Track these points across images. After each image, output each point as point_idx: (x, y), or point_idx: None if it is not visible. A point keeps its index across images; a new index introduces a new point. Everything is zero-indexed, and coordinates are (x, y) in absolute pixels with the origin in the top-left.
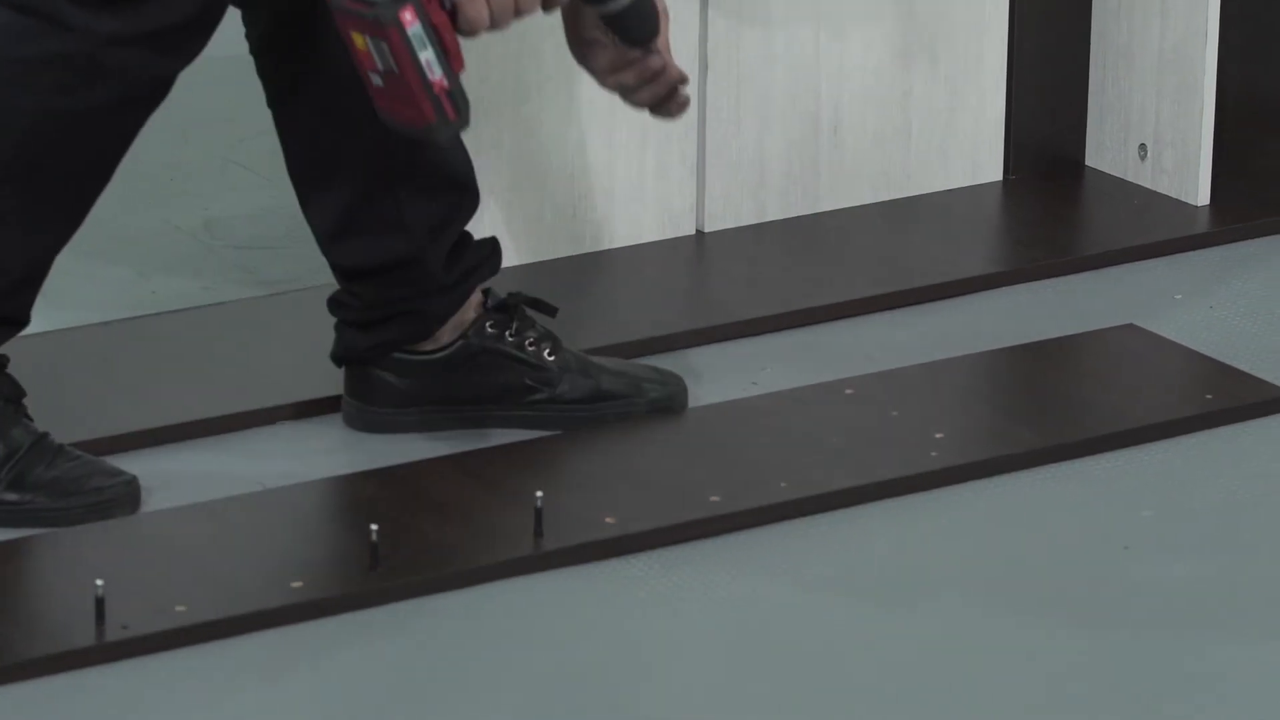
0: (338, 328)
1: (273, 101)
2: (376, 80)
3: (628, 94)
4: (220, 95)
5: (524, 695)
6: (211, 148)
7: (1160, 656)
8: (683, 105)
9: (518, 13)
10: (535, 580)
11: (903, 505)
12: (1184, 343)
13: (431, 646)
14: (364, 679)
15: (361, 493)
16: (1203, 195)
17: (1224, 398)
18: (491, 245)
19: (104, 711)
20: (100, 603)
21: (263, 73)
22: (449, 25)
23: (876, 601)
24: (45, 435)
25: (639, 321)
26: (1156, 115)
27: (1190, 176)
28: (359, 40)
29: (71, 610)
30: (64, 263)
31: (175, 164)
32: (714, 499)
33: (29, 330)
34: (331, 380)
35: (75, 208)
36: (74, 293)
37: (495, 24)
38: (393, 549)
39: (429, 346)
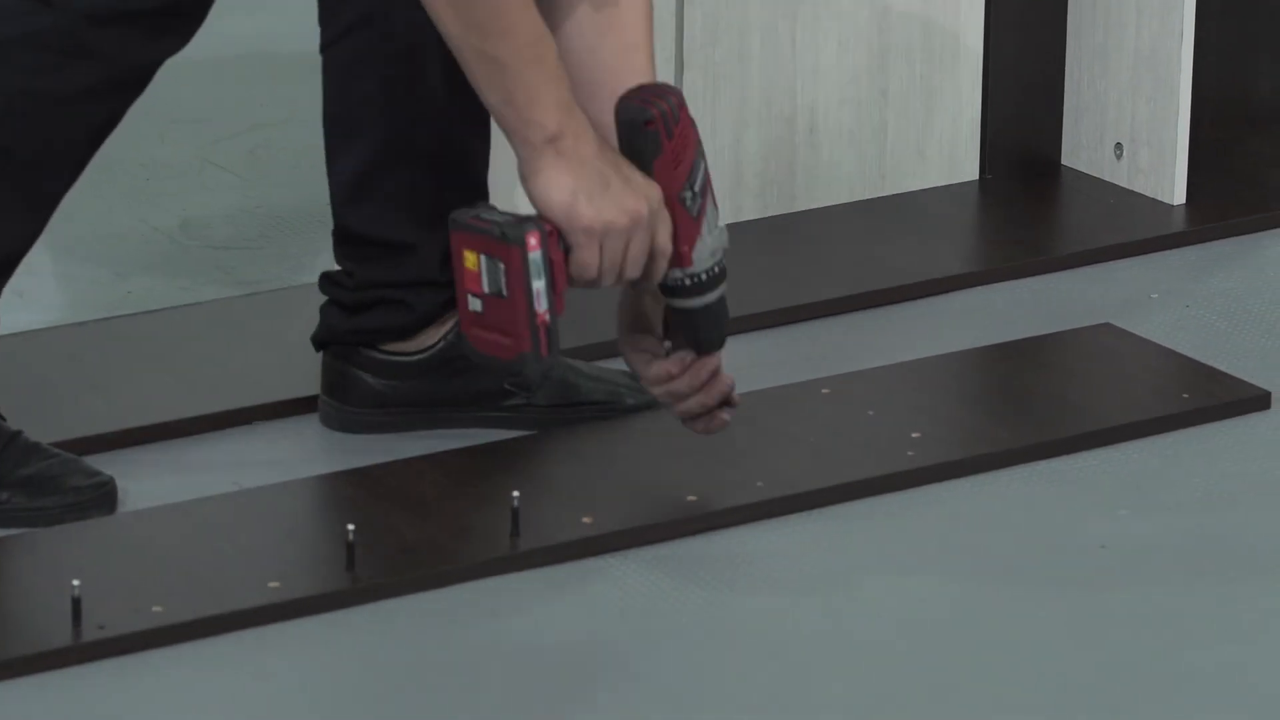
0: (323, 309)
1: (326, 45)
2: (475, 305)
3: (674, 399)
4: (197, 96)
5: (501, 695)
6: (188, 148)
7: (1137, 656)
8: (724, 423)
9: (621, 274)
10: (512, 580)
11: (880, 504)
12: (1160, 342)
13: (409, 646)
14: (341, 679)
15: (338, 493)
16: (1179, 194)
17: (1200, 397)
18: None
19: (80, 712)
20: (77, 603)
21: (324, 14)
22: (563, 266)
23: (853, 600)
24: (19, 434)
25: (613, 321)
26: (1132, 115)
27: (1166, 176)
28: (470, 259)
29: (48, 611)
30: (40, 262)
31: (152, 164)
32: (691, 499)
33: (4, 330)
34: (308, 380)
35: (41, 199)
36: (50, 292)
37: (600, 277)
38: (369, 549)
39: (408, 348)
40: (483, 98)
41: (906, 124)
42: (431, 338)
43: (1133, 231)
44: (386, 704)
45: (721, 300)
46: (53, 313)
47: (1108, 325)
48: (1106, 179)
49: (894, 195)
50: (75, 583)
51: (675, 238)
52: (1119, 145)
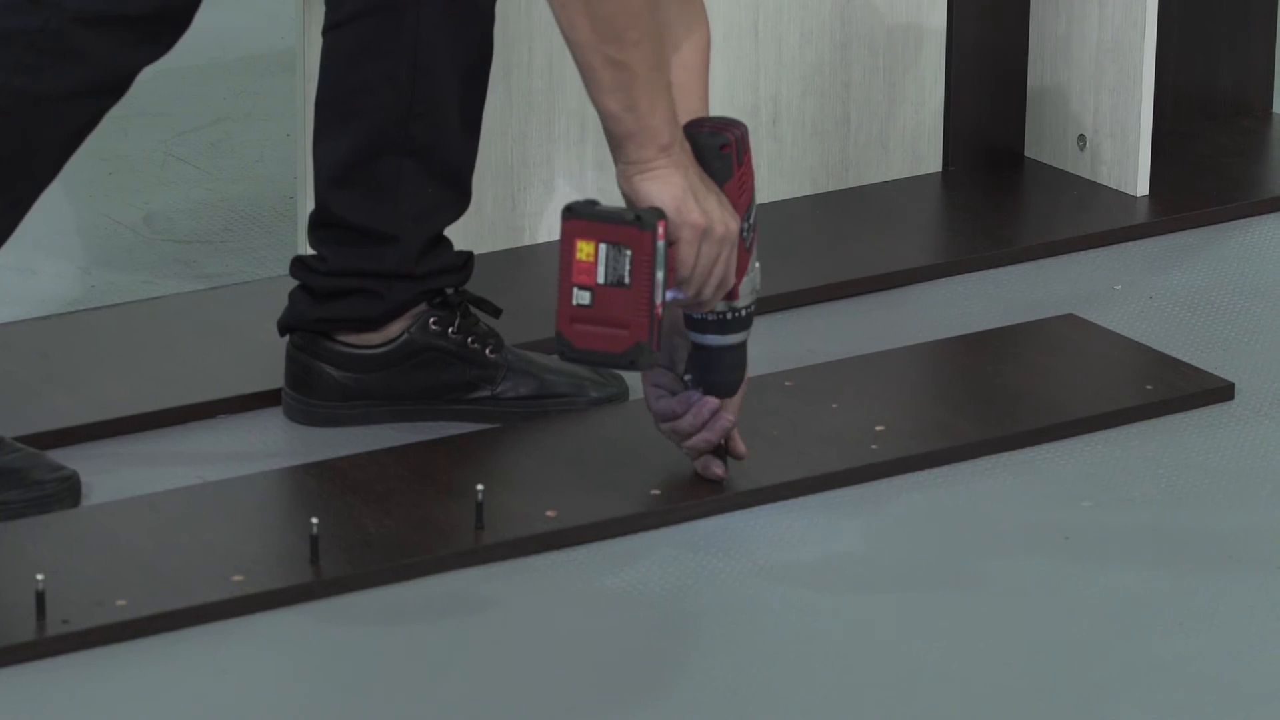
0: (293, 294)
1: (331, 26)
2: (582, 298)
3: (677, 437)
4: (160, 89)
5: (465, 688)
6: (151, 142)
7: (1099, 646)
8: (717, 475)
9: (703, 291)
10: (476, 574)
11: (843, 497)
12: (1124, 333)
13: (372, 640)
14: (305, 672)
15: (302, 486)
16: (1142, 186)
17: (1164, 388)
18: (466, 257)
19: (44, 706)
20: (41, 597)
21: None
22: (672, 262)
23: (817, 594)
24: None
25: None
26: (1095, 106)
27: (1129, 167)
28: (585, 249)
29: (11, 605)
30: (2, 257)
31: (115, 158)
32: (655, 492)
33: None
34: (272, 374)
35: (15, 199)
36: (13, 287)
37: (691, 283)
38: (333, 542)
39: (372, 340)
40: (600, 102)
41: (869, 116)
42: (396, 330)
43: (1096, 223)
44: (350, 697)
45: (744, 345)
46: (16, 307)
47: (1071, 316)
48: (1069, 170)
49: (857, 187)
50: (39, 577)
51: None
52: (1082, 137)
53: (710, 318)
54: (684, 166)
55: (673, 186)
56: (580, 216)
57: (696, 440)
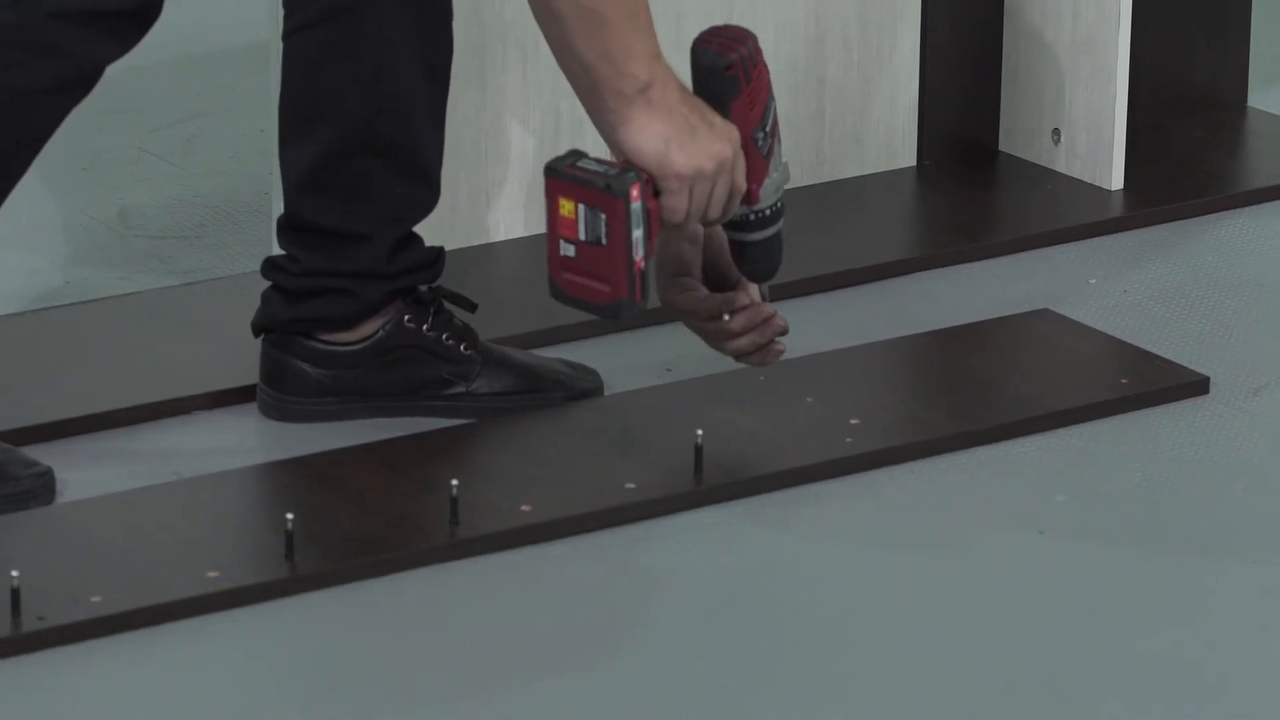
0: (265, 295)
1: (291, 31)
2: (568, 250)
3: (726, 338)
4: (134, 85)
5: (441, 684)
6: (125, 138)
7: (1073, 640)
8: (779, 353)
9: (707, 216)
10: (451, 569)
11: (818, 491)
12: (1098, 327)
13: (347, 636)
14: (280, 668)
15: (277, 482)
16: (1116, 180)
17: (1138, 382)
18: (437, 253)
19: (20, 702)
20: (15, 593)
21: (289, 1)
22: (656, 213)
23: (792, 588)
24: None
25: (553, 309)
26: (1070, 100)
27: (1104, 161)
28: (567, 207)
29: None
30: None
31: (89, 154)
32: (629, 486)
33: None
34: (247, 370)
35: None
36: None
37: (689, 219)
38: (308, 538)
39: (347, 337)
40: (573, 54)
41: (844, 111)
42: (371, 327)
43: (1070, 217)
44: (325, 693)
45: (779, 234)
46: None
47: (1046, 311)
48: (1044, 165)
49: (832, 182)
50: (14, 573)
51: (747, 176)
52: (1056, 131)
53: (736, 220)
54: (665, 107)
55: (653, 137)
56: (559, 176)
57: (744, 341)
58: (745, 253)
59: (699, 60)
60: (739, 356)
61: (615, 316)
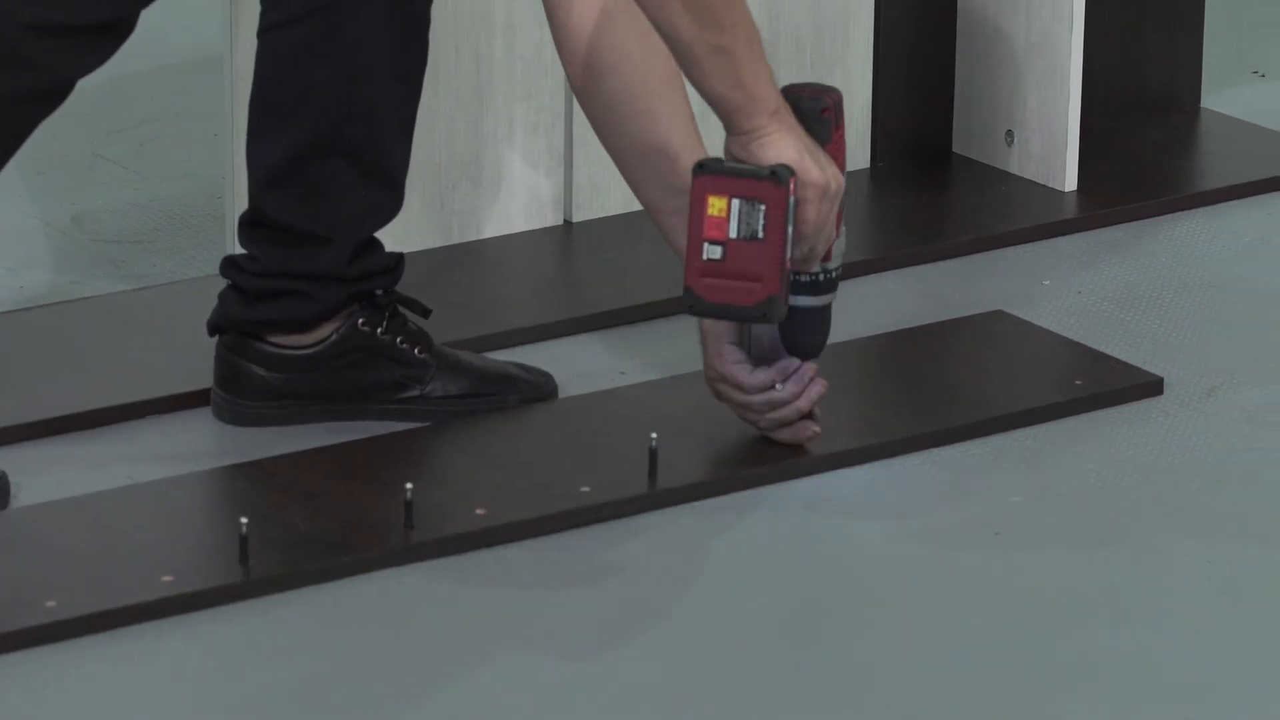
0: (222, 295)
1: (268, 29)
2: (713, 253)
3: (771, 407)
4: (88, 90)
5: (395, 687)
6: (80, 142)
7: (1030, 640)
8: (815, 434)
9: (816, 246)
10: (406, 572)
11: (774, 493)
12: (1052, 329)
13: (302, 640)
14: (235, 672)
15: (232, 485)
16: (1070, 181)
17: (1092, 383)
18: (397, 259)
19: None
20: None
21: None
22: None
23: (748, 591)
24: None
25: (508, 312)
26: (1023, 102)
27: (1057, 163)
28: (718, 205)
29: None
30: None
31: (44, 158)
32: (584, 489)
33: None
34: (201, 374)
35: None
36: None
37: (809, 237)
38: (263, 542)
39: (302, 340)
40: (707, 87)
41: None
42: (325, 331)
43: (1024, 218)
44: (281, 696)
45: (830, 307)
46: None
47: (1000, 312)
48: (998, 166)
49: None
50: None
51: None
52: (1010, 132)
53: (805, 279)
54: (794, 129)
55: (789, 149)
56: (712, 173)
57: (788, 410)
58: (801, 319)
59: (796, 105)
60: (775, 431)
61: (764, 317)
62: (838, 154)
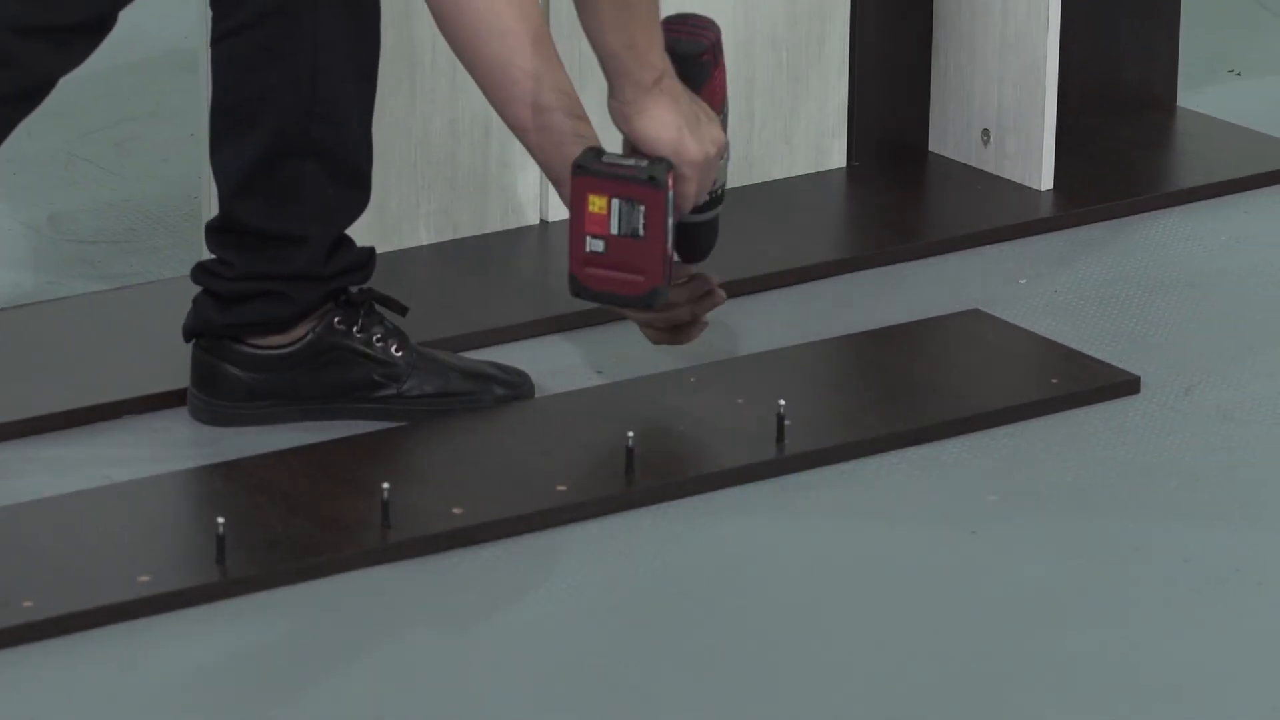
0: (197, 300)
1: (222, 36)
2: (595, 245)
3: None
4: (64, 89)
5: (372, 687)
6: (55, 142)
7: (1006, 640)
8: (702, 328)
9: (704, 190)
10: (383, 571)
11: (749, 493)
12: (1029, 327)
13: (279, 639)
14: (212, 673)
15: (208, 486)
16: (1046, 180)
17: (1069, 382)
18: (369, 253)
19: None
20: None
21: (223, 6)
22: (678, 199)
23: (724, 590)
24: None
25: (484, 312)
26: (999, 101)
27: (1033, 161)
28: (598, 203)
29: None
30: None
31: (19, 158)
32: (561, 488)
33: None
34: (177, 374)
35: None
36: None
37: (692, 199)
38: (239, 542)
39: (278, 341)
40: (602, 39)
41: (773, 112)
42: (301, 330)
43: (1000, 217)
44: (257, 697)
45: (718, 217)
46: None
47: (976, 311)
48: (974, 165)
49: (761, 183)
50: None
51: None
52: (986, 131)
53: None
54: (674, 94)
55: (668, 126)
56: (590, 174)
57: (683, 311)
58: (692, 233)
59: (673, 49)
60: (671, 333)
61: (650, 305)
62: (717, 93)
